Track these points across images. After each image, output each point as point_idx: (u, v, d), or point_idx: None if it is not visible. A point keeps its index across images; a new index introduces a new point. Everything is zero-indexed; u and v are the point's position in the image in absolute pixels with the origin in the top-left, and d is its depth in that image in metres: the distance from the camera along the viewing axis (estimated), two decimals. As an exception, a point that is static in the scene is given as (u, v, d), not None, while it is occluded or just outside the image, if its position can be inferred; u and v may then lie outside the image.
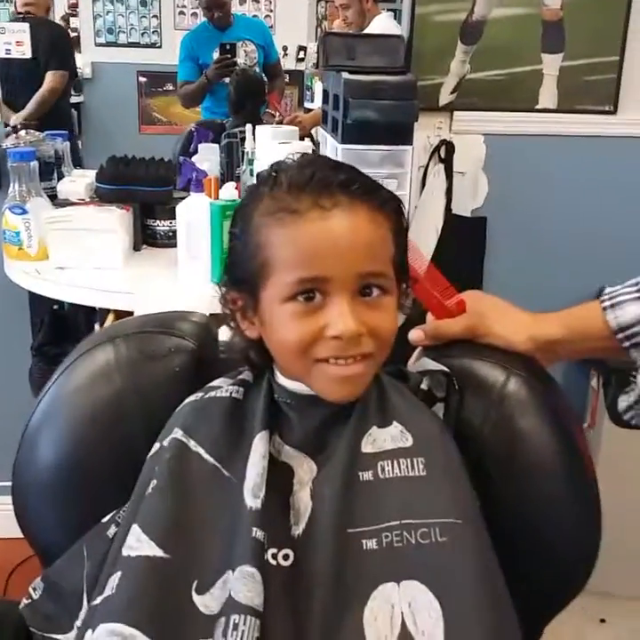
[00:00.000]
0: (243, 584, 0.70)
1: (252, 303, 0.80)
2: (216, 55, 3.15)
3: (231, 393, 0.85)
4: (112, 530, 0.84)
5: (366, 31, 2.58)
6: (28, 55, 2.02)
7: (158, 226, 1.95)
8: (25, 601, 0.89)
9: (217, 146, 2.08)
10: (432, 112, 2.01)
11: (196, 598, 0.73)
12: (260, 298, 0.79)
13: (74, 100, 4.93)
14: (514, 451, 0.86)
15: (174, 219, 1.83)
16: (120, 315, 1.67)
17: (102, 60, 4.94)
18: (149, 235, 1.96)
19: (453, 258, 2.04)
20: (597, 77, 2.00)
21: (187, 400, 0.86)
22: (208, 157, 1.98)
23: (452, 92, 2.02)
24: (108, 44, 4.99)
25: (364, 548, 0.74)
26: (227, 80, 2.87)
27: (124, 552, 0.75)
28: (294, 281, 0.75)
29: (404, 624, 0.70)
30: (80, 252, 1.80)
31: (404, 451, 0.78)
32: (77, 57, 5.15)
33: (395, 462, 0.77)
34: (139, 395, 0.91)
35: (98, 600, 0.75)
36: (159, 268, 1.83)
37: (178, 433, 0.82)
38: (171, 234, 1.92)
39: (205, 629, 0.71)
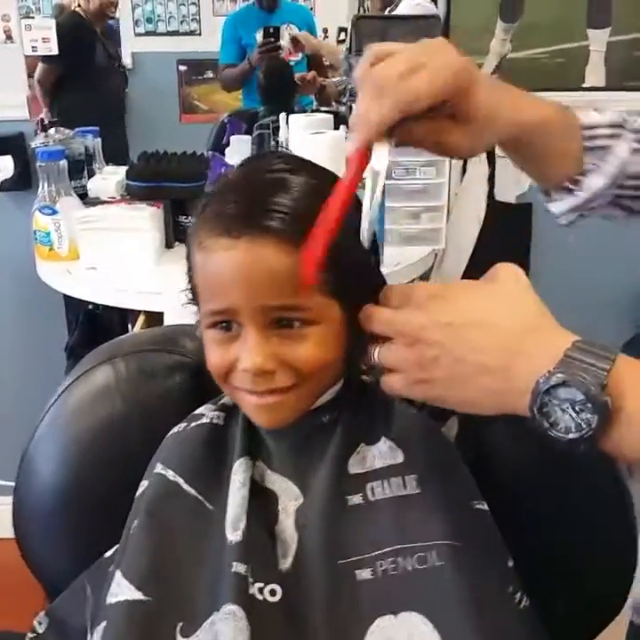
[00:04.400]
0: (225, 624, 0.67)
1: (199, 319, 0.78)
2: (259, 37, 3.08)
3: (212, 419, 0.81)
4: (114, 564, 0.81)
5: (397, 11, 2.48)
6: (55, 51, 1.98)
7: (190, 222, 1.91)
8: (30, 635, 0.86)
9: (249, 137, 2.02)
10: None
11: None
12: (200, 317, 0.77)
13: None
14: (545, 471, 0.80)
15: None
16: (150, 315, 1.63)
17: (142, 50, 4.92)
18: (181, 231, 1.91)
19: (497, 248, 1.96)
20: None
21: (170, 432, 0.83)
22: (239, 150, 1.93)
23: (492, 73, 1.92)
24: (148, 34, 4.97)
25: (358, 578, 0.69)
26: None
27: (107, 600, 0.72)
28: (208, 311, 0.73)
29: None
30: (111, 252, 1.78)
31: (394, 468, 0.73)
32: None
33: (385, 482, 0.72)
34: (140, 416, 0.89)
35: None
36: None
37: (158, 467, 0.79)
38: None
39: None
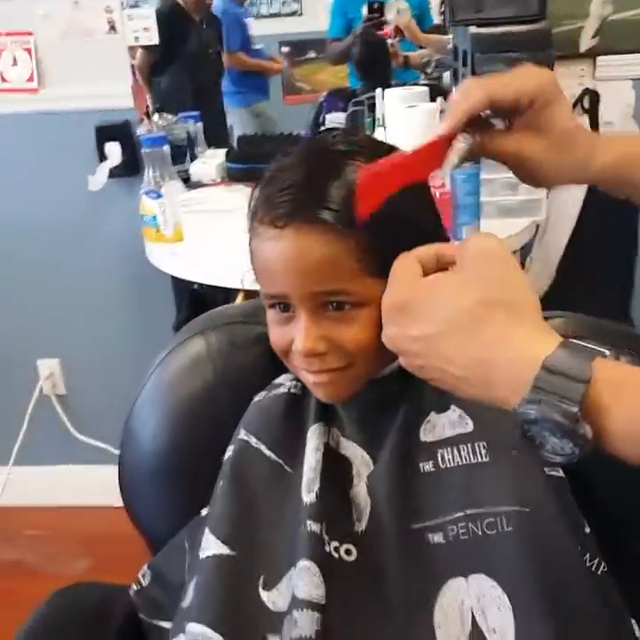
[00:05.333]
0: (300, 579, 0.70)
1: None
2: (364, 12, 3.07)
3: (290, 388, 0.85)
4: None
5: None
6: (156, 41, 2.05)
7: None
8: (134, 587, 0.92)
9: (343, 114, 2.03)
10: (572, 59, 1.86)
11: (264, 594, 0.74)
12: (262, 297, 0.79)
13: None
14: None
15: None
16: (248, 293, 1.68)
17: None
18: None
19: (605, 216, 1.89)
20: None
21: (253, 400, 0.87)
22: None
23: (593, 37, 1.85)
24: (253, 17, 5.02)
25: (430, 542, 0.72)
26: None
27: (200, 555, 0.78)
28: (265, 294, 0.76)
29: (474, 621, 0.68)
30: (212, 233, 1.83)
31: (464, 436, 0.74)
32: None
33: (455, 449, 0.74)
34: (229, 385, 0.94)
35: (183, 605, 0.78)
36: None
37: (242, 433, 0.83)
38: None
39: (273, 625, 0.71)
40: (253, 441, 0.82)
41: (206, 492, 0.85)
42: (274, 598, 0.73)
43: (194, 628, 0.73)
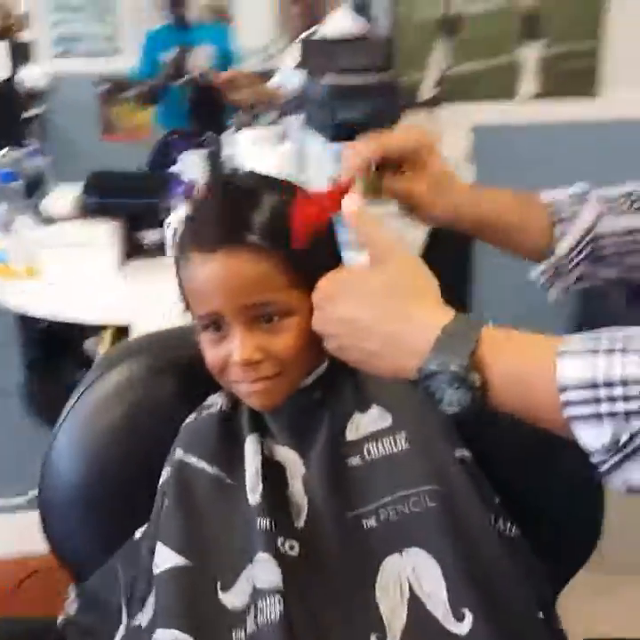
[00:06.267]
0: (260, 570, 0.76)
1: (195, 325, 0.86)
2: (170, 56, 3.13)
3: (221, 406, 0.89)
4: (145, 545, 0.87)
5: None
6: (6, 75, 1.97)
7: (146, 237, 1.94)
8: (62, 618, 0.91)
9: (201, 152, 2.07)
10: (414, 107, 2.02)
11: (223, 596, 0.78)
12: (195, 323, 0.85)
13: (33, 112, 4.85)
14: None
15: (162, 228, 1.82)
16: (118, 330, 1.65)
17: (61, 69, 4.86)
18: (138, 246, 1.94)
19: (441, 257, 2.05)
20: (577, 64, 2.03)
21: (184, 422, 0.90)
22: (192, 166, 1.98)
23: (435, 87, 2.03)
24: (66, 54, 4.90)
25: (365, 527, 0.79)
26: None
27: (155, 571, 0.80)
28: (198, 317, 0.82)
29: (411, 589, 0.76)
30: (68, 268, 1.80)
31: (385, 430, 0.83)
32: (32, 68, 5.06)
33: (379, 443, 0.82)
34: (150, 411, 0.96)
35: (140, 621, 0.80)
36: (150, 279, 1.80)
37: (179, 453, 0.87)
38: (159, 243, 1.91)
39: (236, 621, 0.76)
40: (192, 459, 0.86)
41: (133, 519, 0.87)
42: (231, 599, 0.78)
43: (163, 634, 0.75)
